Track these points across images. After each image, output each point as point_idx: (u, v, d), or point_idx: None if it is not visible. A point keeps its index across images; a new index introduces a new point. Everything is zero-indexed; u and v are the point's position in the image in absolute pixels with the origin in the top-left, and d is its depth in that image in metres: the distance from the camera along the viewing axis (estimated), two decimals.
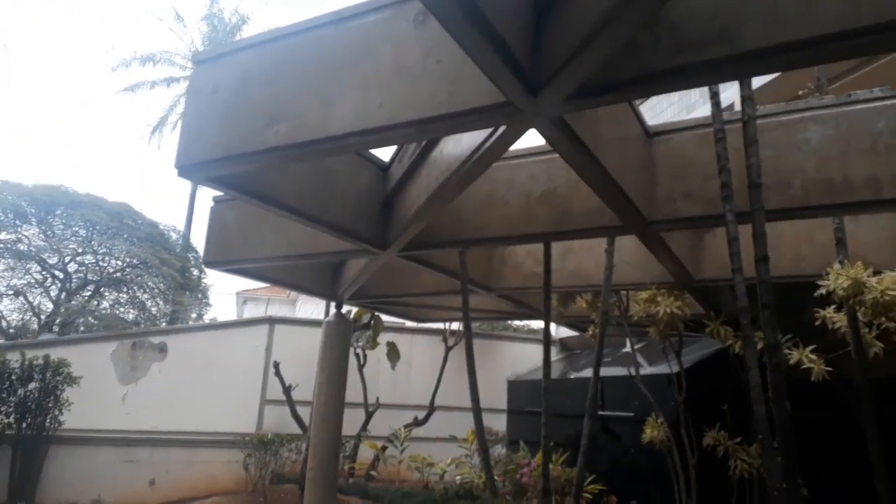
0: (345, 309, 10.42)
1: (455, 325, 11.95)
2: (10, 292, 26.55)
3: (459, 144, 3.01)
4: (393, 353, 11.22)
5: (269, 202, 3.49)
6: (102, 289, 27.95)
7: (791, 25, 1.86)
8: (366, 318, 10.80)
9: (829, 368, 4.43)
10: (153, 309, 29.53)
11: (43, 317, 25.94)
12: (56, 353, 9.11)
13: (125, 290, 28.72)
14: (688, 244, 4.97)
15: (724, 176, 3.30)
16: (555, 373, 11.57)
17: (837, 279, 3.80)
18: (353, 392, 10.83)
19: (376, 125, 2.52)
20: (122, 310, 28.53)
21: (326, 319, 6.66)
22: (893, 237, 4.46)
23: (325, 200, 3.87)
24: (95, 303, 28.18)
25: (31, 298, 26.70)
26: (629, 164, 3.45)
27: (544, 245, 4.67)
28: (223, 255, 5.16)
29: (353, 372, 10.90)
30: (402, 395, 12.06)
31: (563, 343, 12.68)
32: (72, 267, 26.59)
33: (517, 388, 12.06)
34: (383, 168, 4.32)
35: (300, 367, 10.83)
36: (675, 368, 6.32)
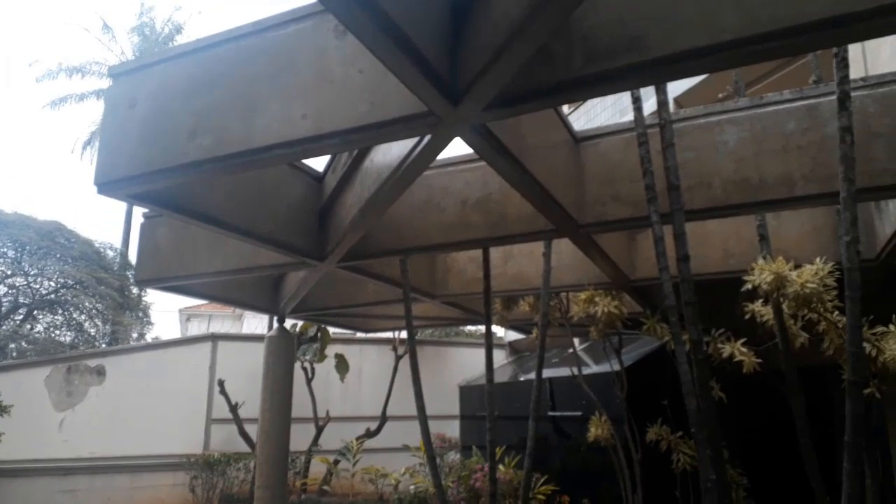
0: (289, 323, 10.30)
1: (404, 334, 11.92)
2: None
3: (389, 153, 3.01)
4: (341, 365, 11.10)
5: (196, 217, 3.42)
6: (36, 311, 26.78)
7: (692, 33, 1.93)
8: (312, 331, 10.65)
9: (760, 360, 4.60)
10: (92, 330, 28.44)
11: None
12: None
13: (60, 311, 27.58)
14: (622, 246, 5.10)
15: (647, 178, 3.40)
16: (504, 376, 11.63)
17: (761, 274, 3.96)
18: (302, 407, 10.68)
19: (300, 136, 2.50)
20: (57, 332, 27.39)
21: (268, 334, 6.54)
22: (812, 232, 4.68)
23: (256, 213, 3.81)
24: (29, 326, 26.98)
25: None
26: (557, 170, 3.52)
27: (483, 251, 4.72)
28: (156, 273, 5.01)
29: (302, 386, 10.74)
30: (353, 406, 11.94)
31: (513, 346, 12.79)
32: (1, 290, 25.39)
33: (469, 394, 12.10)
34: (318, 178, 4.29)
35: (246, 383, 10.59)
36: (618, 367, 6.47)
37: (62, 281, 26.21)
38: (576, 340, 10.54)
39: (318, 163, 4.25)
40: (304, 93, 2.53)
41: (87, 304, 27.53)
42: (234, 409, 10.53)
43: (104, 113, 2.97)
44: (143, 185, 2.89)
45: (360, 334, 11.26)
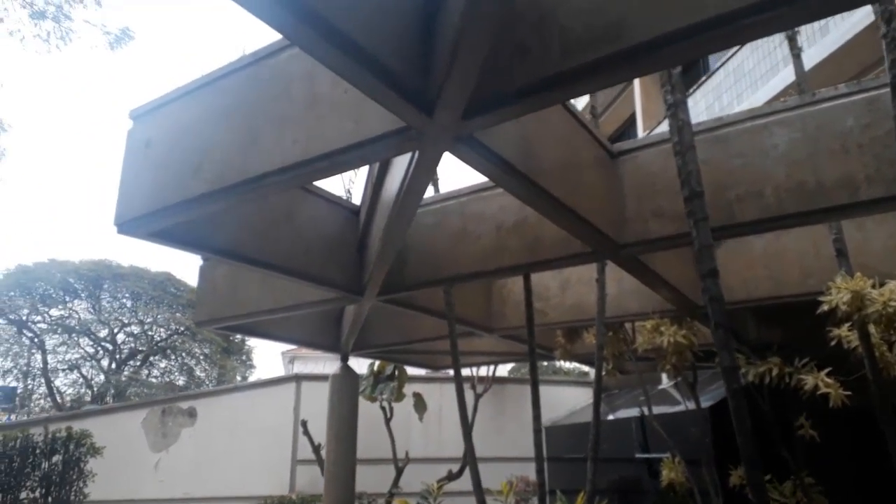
0: (366, 362, 10.33)
1: (483, 371, 11.68)
2: (66, 367, 27.47)
3: (394, 178, 2.92)
4: (419, 405, 10.97)
5: (221, 254, 3.45)
6: (151, 357, 28.64)
7: (674, 14, 1.72)
8: (389, 369, 10.62)
9: (848, 392, 4.06)
10: (201, 374, 30.06)
11: (96, 388, 26.64)
12: (89, 424, 9.22)
13: (173, 357, 29.38)
14: (685, 267, 4.71)
15: (685, 189, 3.10)
16: (590, 415, 11.12)
17: (838, 293, 3.51)
18: (381, 448, 10.62)
19: (290, 162, 2.45)
20: (172, 377, 29.15)
21: (332, 373, 6.54)
22: None
23: (289, 248, 3.80)
24: (146, 372, 28.87)
25: (84, 371, 27.55)
26: (588, 188, 3.29)
27: (524, 278, 4.49)
28: (213, 314, 5.13)
29: (381, 426, 10.69)
30: (434, 447, 11.74)
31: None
32: (120, 338, 27.39)
33: (555, 434, 11.64)
34: (355, 211, 4.26)
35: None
36: (707, 403, 5.95)
37: (174, 328, 27.95)
38: (664, 375, 9.93)
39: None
40: (296, 118, 2.49)
41: (195, 349, 29.20)
42: (316, 449, 10.60)
43: (124, 154, 3.07)
44: (157, 222, 2.94)
45: (436, 374, 11.11)
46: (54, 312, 25.56)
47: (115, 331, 26.69)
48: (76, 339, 26.39)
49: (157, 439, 10.70)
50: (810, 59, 8.71)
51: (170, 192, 2.81)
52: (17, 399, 25.52)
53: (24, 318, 24.97)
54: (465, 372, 11.65)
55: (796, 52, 4.35)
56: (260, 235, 3.66)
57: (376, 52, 1.86)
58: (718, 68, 11.97)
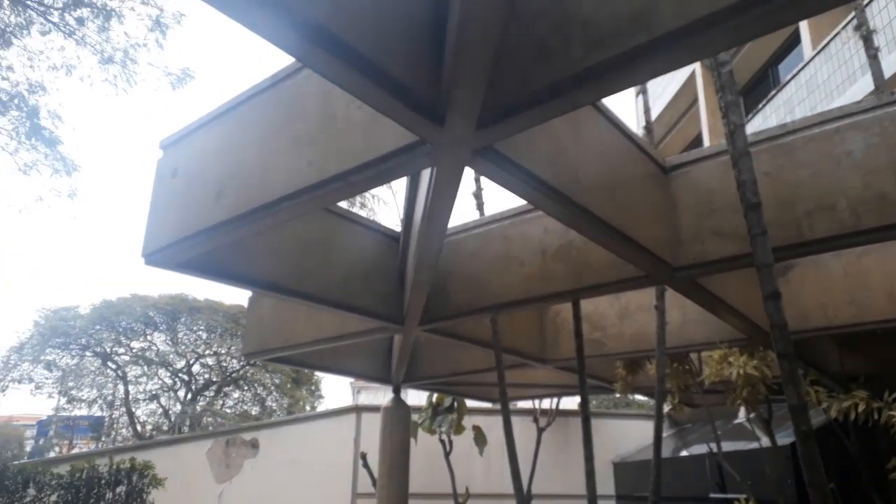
0: (426, 393, 10.12)
1: (546, 404, 11.25)
2: (146, 397, 28.53)
3: (419, 200, 2.75)
4: (479, 438, 10.61)
5: (253, 284, 3.36)
6: (225, 388, 29.38)
7: None
8: (447, 401, 10.36)
9: None
10: (272, 404, 30.60)
11: (173, 418, 27.52)
12: (156, 454, 9.38)
13: (246, 387, 30.05)
14: (754, 291, 4.31)
15: (743, 201, 2.78)
16: (665, 451, 10.59)
17: None
18: (442, 482, 10.32)
19: (306, 184, 2.32)
20: (246, 406, 29.80)
21: (383, 406, 6.37)
22: None
23: (325, 277, 3.68)
24: (221, 402, 29.62)
25: (162, 402, 28.53)
26: (638, 206, 3.02)
27: (572, 305, 4.21)
28: (260, 345, 5.08)
29: (441, 460, 10.41)
30: (497, 482, 11.30)
31: (672, 417, 11.55)
32: (195, 369, 28.25)
33: (625, 471, 11.10)
34: (395, 237, 4.11)
35: None
36: (787, 440, 5.44)
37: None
38: (742, 410, 9.28)
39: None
40: (311, 139, 2.37)
41: (267, 380, 29.79)
42: (376, 482, 10.40)
43: (153, 185, 3.03)
44: (182, 252, 2.87)
45: (498, 406, 10.75)
46: (135, 345, 26.65)
47: (191, 362, 27.56)
48: (155, 370, 27.39)
49: (220, 470, 10.77)
50: (890, 66, 8.09)
51: (192, 221, 2.74)
52: (104, 428, 26.68)
53: (109, 350, 26.14)
54: (527, 404, 11.26)
55: (872, 53, 3.97)
56: (294, 265, 3.55)
57: (384, 63, 1.71)
58: (789, 81, 11.35)
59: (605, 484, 10.52)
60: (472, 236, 4.05)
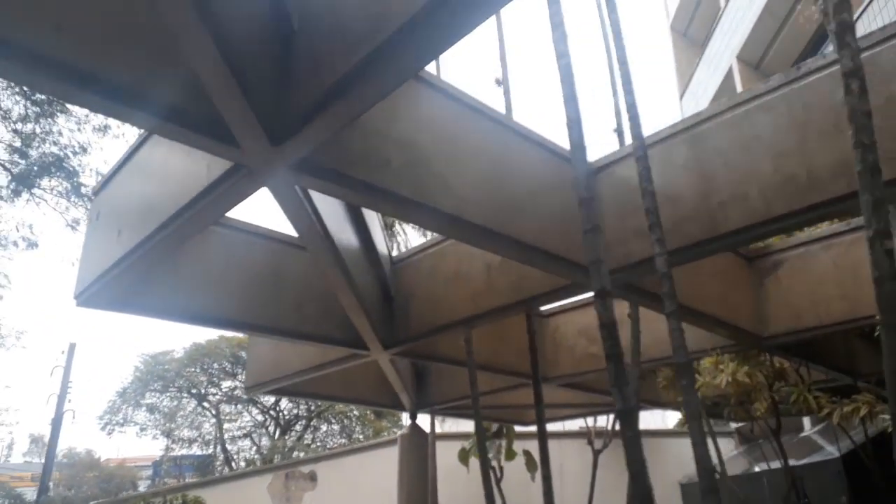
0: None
1: (601, 424, 10.82)
2: (239, 435, 29.73)
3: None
4: (531, 463, 10.31)
5: (198, 320, 3.49)
6: (312, 422, 30.12)
7: None
8: (495, 426, 10.16)
9: None
10: (360, 437, 31.07)
11: (265, 453, 28.47)
12: (217, 491, 9.73)
13: (333, 420, 30.68)
14: (738, 294, 4.02)
15: (647, 200, 2.63)
16: (736, 468, 10.02)
17: None
18: None
19: (161, 221, 2.41)
20: (335, 439, 30.41)
21: (400, 433, 6.35)
22: None
23: (277, 307, 3.75)
24: (310, 436, 30.38)
25: (254, 438, 29.63)
26: (547, 223, 2.92)
27: (526, 318, 4.06)
28: (258, 379, 5.22)
29: (494, 487, 10.18)
30: None
31: (740, 433, 10.86)
32: (284, 404, 29.16)
33: (693, 492, 10.51)
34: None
35: (442, 483, 10.36)
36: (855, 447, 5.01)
37: None
38: (806, 420, 8.70)
39: None
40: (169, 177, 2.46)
41: (352, 412, 30.30)
42: None
43: (86, 229, 3.22)
44: (105, 291, 3.02)
45: (553, 427, 10.44)
46: (226, 384, 27.85)
47: (279, 398, 28.44)
48: (247, 408, 28.47)
49: (281, 503, 11.03)
50: None
51: (104, 258, 2.89)
52: (210, 466, 28.07)
53: (203, 391, 27.47)
54: (580, 423, 10.87)
55: None
56: (242, 297, 3.65)
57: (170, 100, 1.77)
58: None
59: None
60: (428, 255, 4.03)
